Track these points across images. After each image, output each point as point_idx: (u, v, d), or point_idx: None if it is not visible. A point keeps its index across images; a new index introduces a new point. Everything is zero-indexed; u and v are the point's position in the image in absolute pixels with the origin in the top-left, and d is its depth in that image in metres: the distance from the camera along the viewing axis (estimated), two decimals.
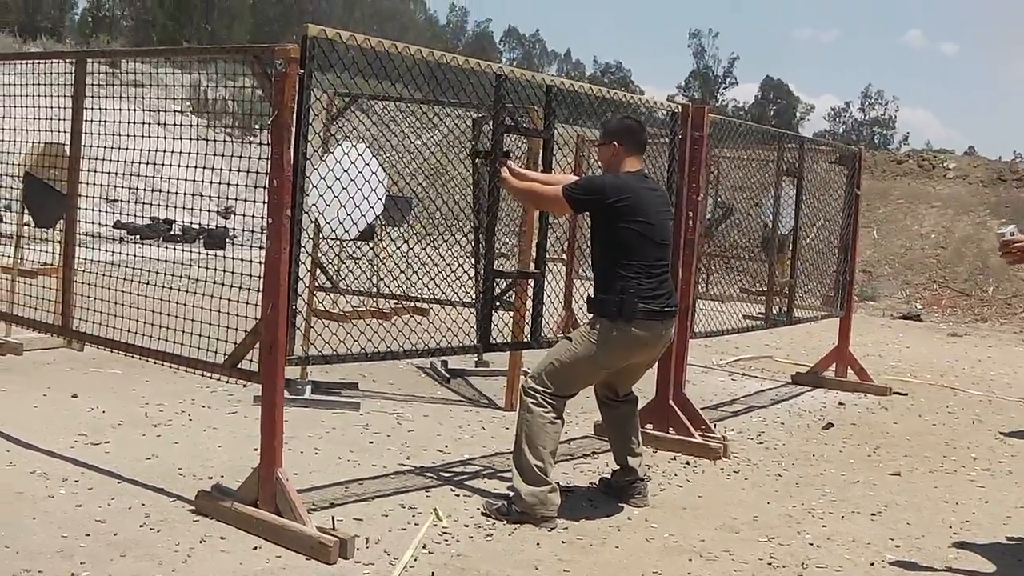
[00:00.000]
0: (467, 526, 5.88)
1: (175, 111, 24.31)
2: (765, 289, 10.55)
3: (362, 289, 10.30)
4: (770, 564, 5.60)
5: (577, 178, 6.86)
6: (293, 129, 5.30)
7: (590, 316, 6.32)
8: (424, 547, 5.46)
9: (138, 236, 19.98)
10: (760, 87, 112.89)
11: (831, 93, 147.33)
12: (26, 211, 9.88)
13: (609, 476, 6.82)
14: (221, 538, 5.38)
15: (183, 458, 6.81)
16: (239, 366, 5.75)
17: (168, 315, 6.17)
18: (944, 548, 6.08)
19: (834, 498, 6.99)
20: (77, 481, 6.19)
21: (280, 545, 5.27)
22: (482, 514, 6.07)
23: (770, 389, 11.05)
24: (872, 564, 5.72)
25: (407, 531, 5.68)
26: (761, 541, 5.98)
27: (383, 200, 7.94)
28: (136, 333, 6.42)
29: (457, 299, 8.30)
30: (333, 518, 5.40)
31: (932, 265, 22.20)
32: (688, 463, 7.63)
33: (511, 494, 6.10)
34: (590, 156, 12.25)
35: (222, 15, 69.81)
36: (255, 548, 5.27)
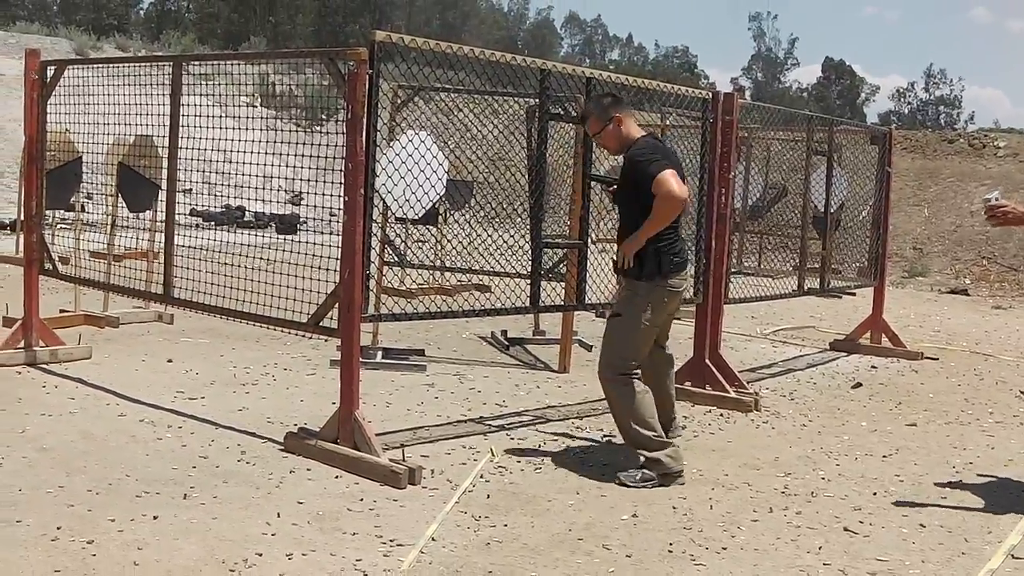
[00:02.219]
0: (519, 462, 6.76)
1: (245, 104, 25.31)
2: (815, 265, 11.29)
3: (427, 271, 11.21)
4: (783, 493, 6.42)
5: (654, 174, 6.54)
6: (364, 120, 6.20)
7: (626, 280, 6.78)
8: (481, 477, 6.36)
9: (212, 223, 20.96)
10: (822, 68, 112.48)
11: (897, 73, 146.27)
12: (120, 199, 10.88)
13: None
14: (307, 469, 6.33)
15: (270, 410, 7.77)
16: (321, 324, 6.67)
17: (258, 281, 7.19)
18: (944, 482, 6.85)
19: (851, 444, 7.77)
20: (180, 427, 7.17)
21: (358, 474, 6.22)
22: (621, 485, 6.41)
23: (808, 355, 11.77)
24: (875, 494, 6.50)
25: (467, 465, 6.58)
26: (779, 476, 6.80)
27: (444, 183, 8.80)
28: (229, 299, 7.39)
29: (515, 271, 9.06)
30: (403, 451, 6.34)
31: (981, 242, 22.66)
32: (722, 415, 8.44)
33: (645, 466, 6.53)
34: None
35: (286, 8, 70.75)
36: (336, 476, 6.22)
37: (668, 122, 12.46)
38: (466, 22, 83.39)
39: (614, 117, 6.74)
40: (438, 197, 8.99)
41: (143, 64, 9.09)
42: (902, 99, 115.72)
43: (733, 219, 11.26)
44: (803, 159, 11.73)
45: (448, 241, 12.40)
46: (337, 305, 6.46)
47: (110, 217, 11.22)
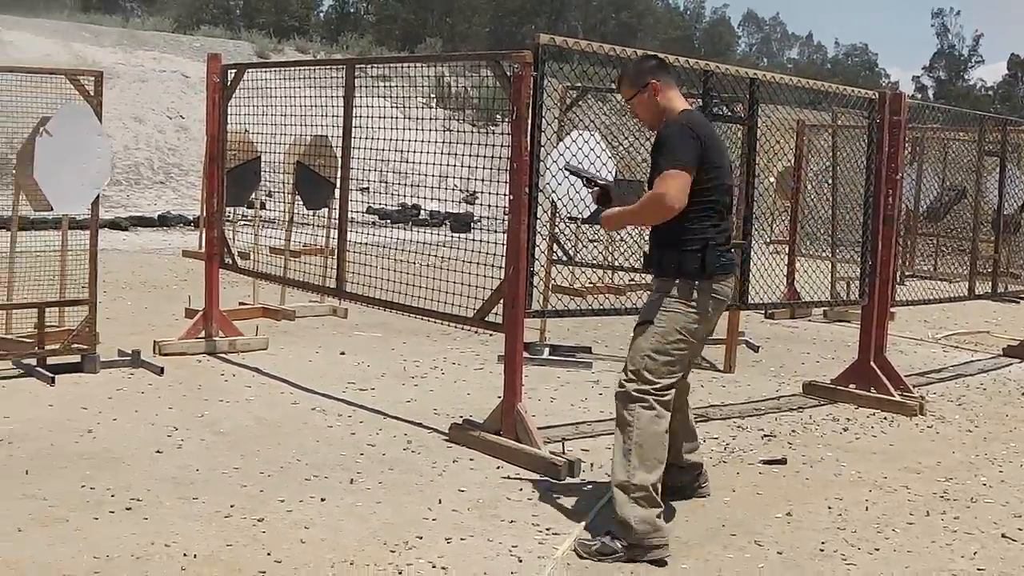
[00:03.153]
0: None
1: (421, 105, 25.76)
2: (991, 269, 11.12)
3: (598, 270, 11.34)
4: (942, 497, 6.38)
5: (663, 168, 5.38)
6: (529, 121, 6.37)
7: (658, 281, 5.57)
8: None
9: (388, 220, 21.40)
10: (1008, 65, 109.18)
11: None
12: (297, 196, 11.30)
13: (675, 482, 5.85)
14: (470, 459, 6.56)
15: (438, 402, 8.03)
16: (486, 319, 6.88)
17: (429, 277, 7.44)
18: None
19: (1017, 451, 7.63)
20: (350, 416, 7.47)
21: (518, 465, 6.42)
22: (579, 556, 5.13)
23: (979, 360, 11.55)
24: None
25: None
26: (939, 480, 6.74)
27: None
28: (399, 293, 7.65)
29: None
30: (563, 444, 6.51)
31: None
32: (885, 418, 8.36)
33: (610, 528, 5.25)
34: (810, 141, 13.05)
35: (462, 9, 71.51)
36: (497, 467, 6.43)
37: (840, 122, 12.38)
38: (641, 21, 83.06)
39: (650, 83, 5.59)
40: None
41: (317, 67, 9.42)
42: None
43: (904, 221, 11.17)
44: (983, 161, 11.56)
45: (620, 240, 12.50)
46: (502, 301, 6.66)
47: (287, 214, 11.63)
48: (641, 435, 5.26)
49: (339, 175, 8.24)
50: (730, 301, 5.75)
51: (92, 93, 8.04)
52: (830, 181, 13.34)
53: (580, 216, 9.30)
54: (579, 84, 9.32)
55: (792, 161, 12.82)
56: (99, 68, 9.52)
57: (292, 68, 9.54)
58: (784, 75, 8.33)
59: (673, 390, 5.44)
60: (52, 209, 8.30)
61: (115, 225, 20.29)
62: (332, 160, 10.69)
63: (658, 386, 5.34)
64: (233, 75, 9.20)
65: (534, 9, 73.28)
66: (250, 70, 9.38)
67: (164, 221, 21.59)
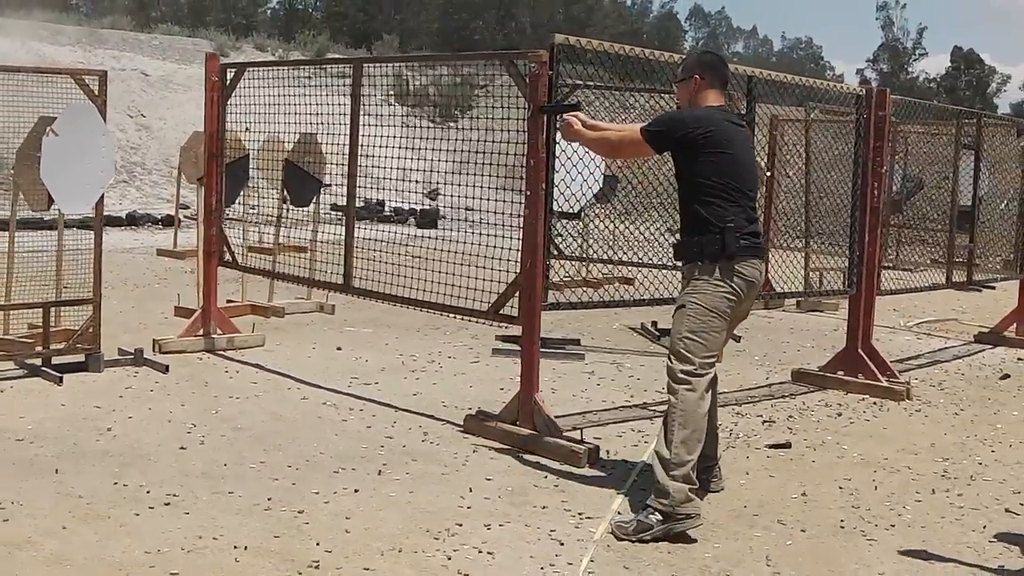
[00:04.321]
0: None
1: (381, 102, 25.87)
2: (957, 259, 11.41)
3: (572, 263, 11.56)
4: (943, 476, 6.65)
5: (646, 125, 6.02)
6: (545, 119, 6.54)
7: (687, 268, 5.82)
8: None
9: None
10: (951, 57, 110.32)
11: None
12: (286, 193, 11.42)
13: None
14: (489, 449, 6.75)
15: (443, 394, 8.18)
16: (500, 312, 7.07)
17: (425, 269, 7.60)
18: None
19: (1006, 432, 7.92)
20: (362, 410, 7.62)
21: (538, 454, 6.60)
22: (617, 538, 5.35)
23: (953, 347, 11.85)
24: None
25: (639, 447, 6.92)
26: (937, 461, 7.01)
27: (600, 180, 9.12)
28: (400, 287, 7.81)
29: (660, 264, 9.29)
30: (581, 432, 6.69)
31: None
32: (875, 403, 8.62)
33: (647, 503, 5.49)
34: (783, 134, 13.30)
35: (410, 5, 71.20)
36: (517, 456, 6.61)
37: (812, 116, 12.64)
38: (591, 16, 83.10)
39: (694, 77, 5.93)
40: (592, 193, 9.33)
41: (303, 66, 9.56)
42: None
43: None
44: (941, 152, 11.84)
45: (589, 235, 12.72)
46: (517, 294, 6.83)
47: (276, 211, 11.74)
48: (685, 416, 5.52)
49: (348, 171, 8.28)
50: (760, 283, 5.91)
51: (96, 93, 8.13)
52: (799, 175, 13.60)
53: (570, 211, 9.47)
54: (569, 81, 9.50)
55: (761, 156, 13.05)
56: (58, 66, 9.56)
57: (289, 68, 9.65)
58: (780, 72, 8.54)
59: (713, 369, 5.72)
60: (48, 208, 8.40)
61: (85, 225, 20.14)
62: (319, 157, 10.87)
63: (698, 364, 5.60)
64: (232, 75, 9.30)
65: (483, 4, 73.17)
66: (249, 69, 9.49)
67: (132, 220, 21.53)
